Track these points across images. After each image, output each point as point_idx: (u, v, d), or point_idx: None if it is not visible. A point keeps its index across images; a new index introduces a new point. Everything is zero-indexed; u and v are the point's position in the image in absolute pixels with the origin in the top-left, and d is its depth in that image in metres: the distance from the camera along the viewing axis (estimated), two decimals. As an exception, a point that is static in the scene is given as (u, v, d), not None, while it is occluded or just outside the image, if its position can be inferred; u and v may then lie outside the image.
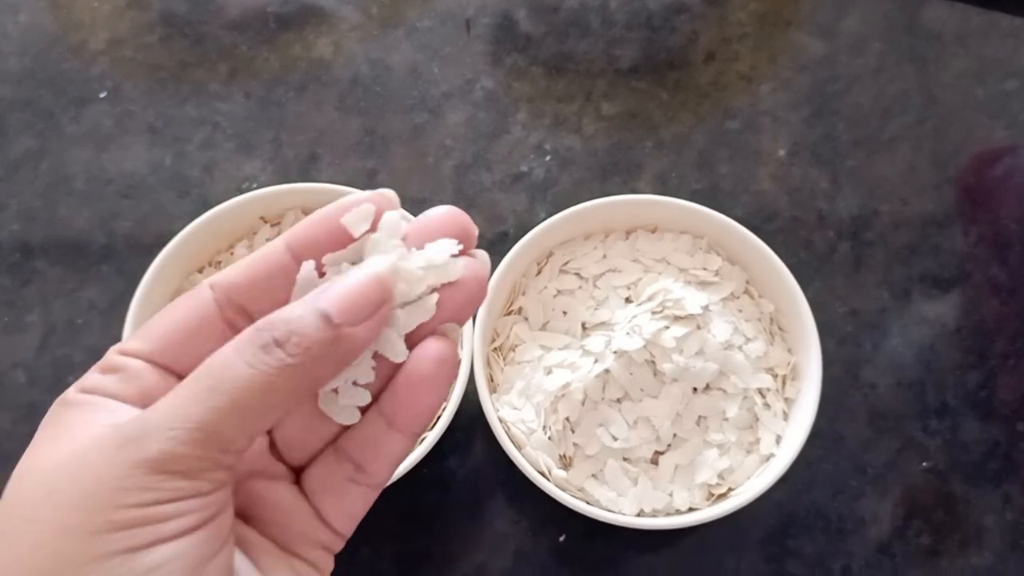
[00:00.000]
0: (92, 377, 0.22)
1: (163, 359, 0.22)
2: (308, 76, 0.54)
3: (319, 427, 0.23)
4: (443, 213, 0.22)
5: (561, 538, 0.44)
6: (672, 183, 0.52)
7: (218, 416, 0.19)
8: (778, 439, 0.40)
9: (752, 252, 0.43)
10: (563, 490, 0.39)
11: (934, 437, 0.46)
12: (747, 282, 0.43)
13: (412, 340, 0.22)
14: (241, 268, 0.22)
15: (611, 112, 0.54)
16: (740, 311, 0.42)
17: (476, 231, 0.23)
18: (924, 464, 0.46)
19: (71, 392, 0.21)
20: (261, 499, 0.23)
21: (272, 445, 0.23)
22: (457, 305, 0.22)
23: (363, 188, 0.47)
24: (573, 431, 0.40)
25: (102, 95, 0.54)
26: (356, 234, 0.22)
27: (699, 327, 0.40)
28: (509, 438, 0.40)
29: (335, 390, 0.22)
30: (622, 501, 0.40)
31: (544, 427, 0.40)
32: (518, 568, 0.44)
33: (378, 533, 0.44)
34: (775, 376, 0.41)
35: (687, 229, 0.44)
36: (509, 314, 0.44)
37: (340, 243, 0.22)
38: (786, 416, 0.41)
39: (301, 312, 0.20)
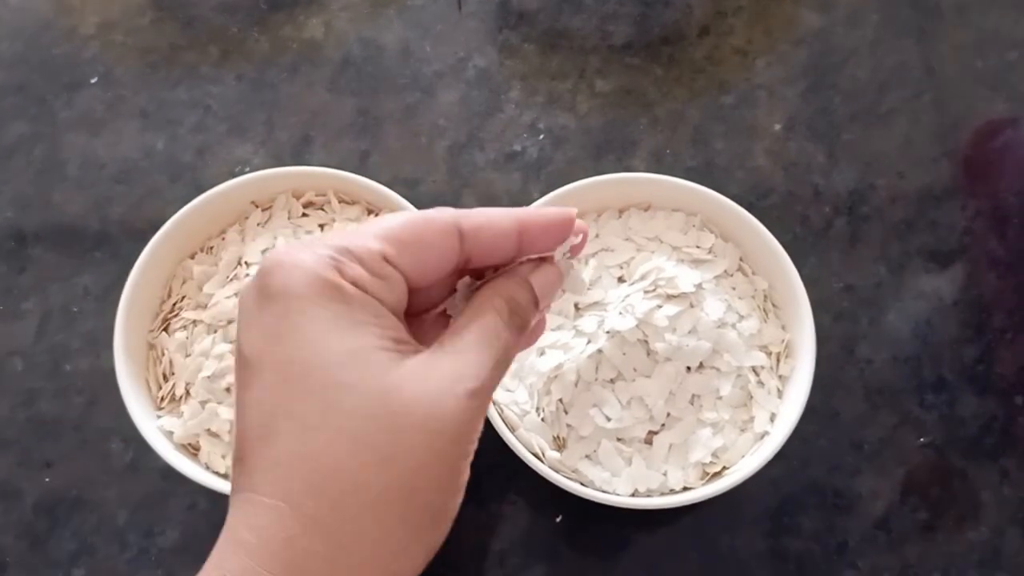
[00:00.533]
0: (358, 270, 0.24)
1: (415, 279, 0.26)
2: (300, 57, 0.54)
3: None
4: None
5: (558, 519, 0.44)
6: (667, 160, 0.51)
7: (500, 375, 0.26)
8: (772, 417, 0.40)
9: (745, 229, 0.42)
10: (557, 471, 0.39)
11: (931, 412, 0.46)
12: (740, 259, 0.43)
13: None
14: (486, 228, 0.26)
15: (605, 89, 0.53)
16: (734, 289, 0.42)
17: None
18: (921, 439, 0.46)
19: (335, 275, 0.24)
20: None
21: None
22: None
23: (355, 170, 0.47)
24: (566, 412, 0.40)
25: (93, 80, 0.53)
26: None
27: (692, 305, 0.40)
28: (503, 420, 0.40)
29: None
30: (616, 481, 0.40)
31: (537, 408, 0.40)
32: (516, 549, 0.44)
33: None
34: (769, 354, 0.41)
35: (680, 207, 0.44)
36: (502, 295, 0.44)
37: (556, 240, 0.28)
38: (780, 394, 0.41)
39: (530, 295, 0.27)
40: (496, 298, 0.26)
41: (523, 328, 0.27)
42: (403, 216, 0.26)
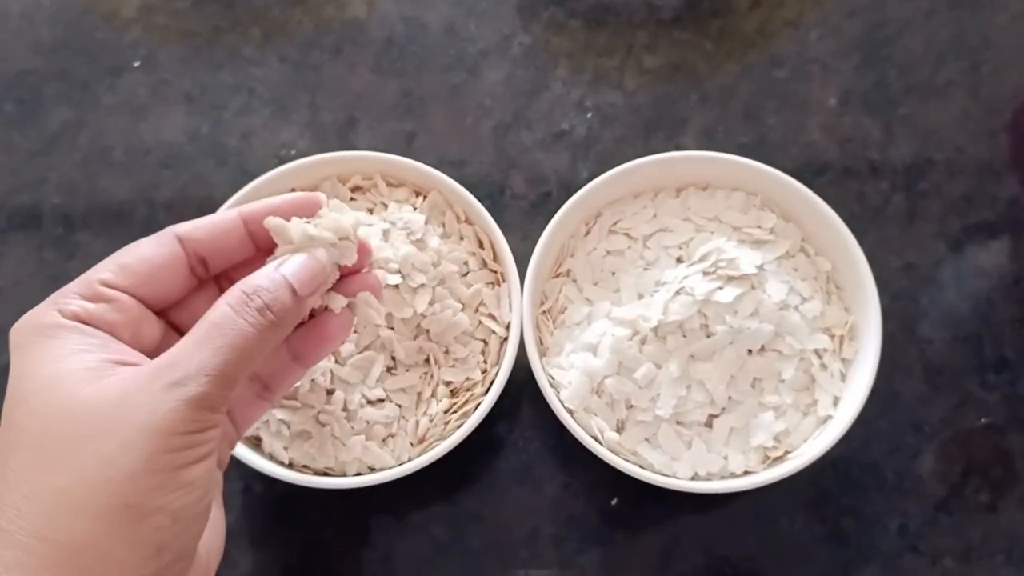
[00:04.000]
0: (77, 303, 0.27)
1: (143, 294, 0.28)
2: (342, 37, 0.53)
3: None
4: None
5: (613, 502, 0.44)
6: (718, 137, 0.50)
7: (232, 364, 0.26)
8: (835, 400, 0.40)
9: (808, 208, 0.42)
10: (616, 454, 0.39)
11: (992, 392, 0.45)
12: (802, 240, 0.42)
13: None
14: (202, 226, 0.29)
15: (653, 65, 0.52)
16: (796, 270, 0.41)
17: (371, 250, 0.33)
18: (983, 420, 0.45)
19: (54, 315, 0.26)
20: None
21: None
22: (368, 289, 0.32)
23: (401, 152, 0.47)
24: (625, 394, 0.39)
25: (136, 64, 0.53)
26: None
27: (753, 287, 0.39)
28: (560, 402, 0.40)
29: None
30: (676, 465, 0.39)
31: (596, 391, 0.40)
32: (570, 532, 0.44)
33: (429, 496, 0.44)
34: (832, 336, 0.40)
35: (740, 186, 0.43)
36: (557, 276, 0.43)
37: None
38: (843, 377, 0.40)
39: (277, 282, 0.27)
40: (234, 290, 0.27)
41: (269, 315, 0.27)
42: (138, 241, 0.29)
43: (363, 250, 0.31)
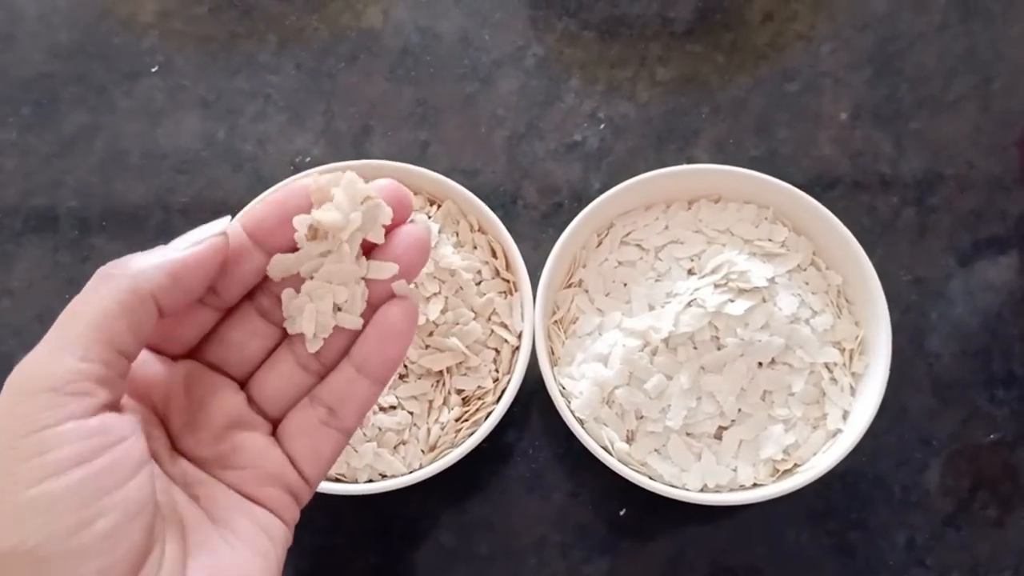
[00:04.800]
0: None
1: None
2: (358, 46, 0.53)
3: (296, 377, 0.26)
4: (383, 185, 0.26)
5: (622, 512, 0.44)
6: (730, 149, 0.50)
7: (77, 333, 0.21)
8: (845, 414, 0.40)
9: (819, 222, 0.42)
10: (625, 465, 0.39)
11: (1001, 407, 0.46)
12: (813, 253, 0.43)
13: (373, 302, 0.26)
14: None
15: (666, 77, 0.52)
16: (806, 283, 0.41)
17: (412, 201, 0.26)
18: (991, 435, 0.45)
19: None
20: (237, 447, 0.25)
21: (251, 400, 0.26)
22: (404, 264, 0.25)
23: (415, 160, 0.47)
24: (635, 405, 0.39)
25: (153, 69, 0.53)
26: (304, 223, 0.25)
27: (764, 300, 0.39)
28: (571, 412, 0.40)
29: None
30: (685, 476, 0.39)
31: (606, 401, 0.40)
32: (578, 540, 0.44)
33: (439, 503, 0.44)
34: (842, 350, 0.41)
35: (752, 199, 0.43)
36: (569, 287, 0.43)
37: (285, 222, 0.25)
38: (853, 391, 0.40)
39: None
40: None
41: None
42: None
43: (399, 198, 0.25)
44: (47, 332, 0.22)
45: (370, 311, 0.26)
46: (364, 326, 0.26)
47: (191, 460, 0.25)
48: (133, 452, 0.22)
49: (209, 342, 0.26)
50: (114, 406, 0.22)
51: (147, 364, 0.25)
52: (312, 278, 0.25)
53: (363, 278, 0.25)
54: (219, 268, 0.24)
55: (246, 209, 0.26)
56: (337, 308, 0.26)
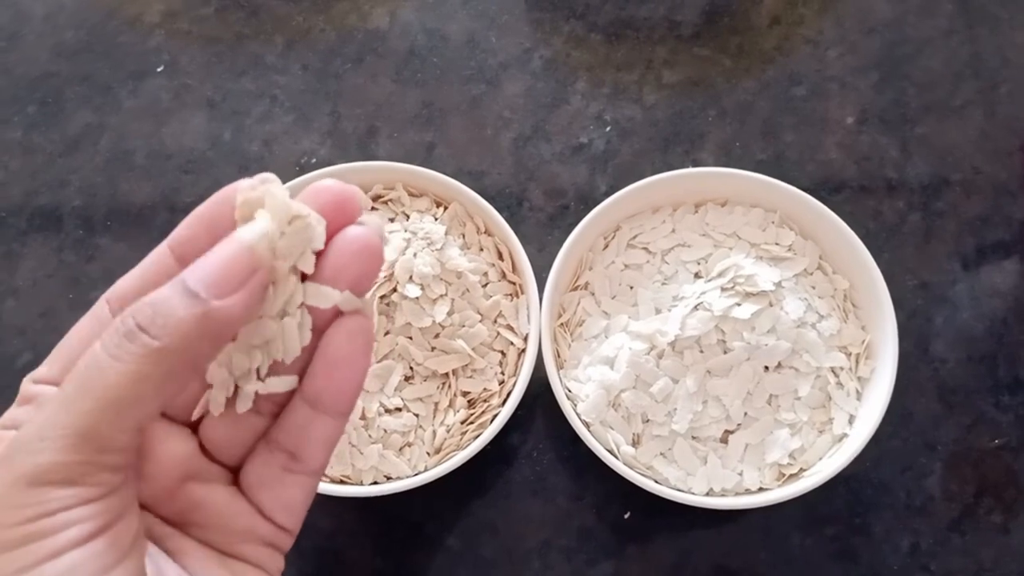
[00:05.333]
0: (10, 412, 0.22)
1: (55, 377, 0.22)
2: (364, 47, 0.53)
3: (245, 422, 0.23)
4: (320, 188, 0.22)
5: (626, 515, 0.44)
6: (736, 153, 0.50)
7: (89, 417, 0.18)
8: (851, 419, 0.40)
9: (825, 226, 0.42)
10: (631, 468, 0.39)
11: (1006, 413, 0.45)
12: (820, 257, 0.43)
13: (318, 323, 0.22)
14: (132, 277, 0.22)
15: (672, 80, 0.52)
16: (813, 288, 0.41)
17: (359, 202, 0.22)
18: (996, 441, 0.45)
19: None
20: (197, 503, 0.22)
21: (203, 448, 0.23)
22: (352, 275, 0.21)
23: (421, 162, 0.47)
24: (641, 408, 0.39)
25: (159, 69, 0.53)
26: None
27: (771, 304, 0.39)
28: (576, 415, 0.40)
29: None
30: (691, 480, 0.39)
31: (612, 404, 0.40)
32: (582, 544, 0.44)
33: (443, 506, 0.44)
34: (848, 355, 0.41)
35: (758, 202, 0.43)
36: (575, 289, 0.43)
37: (216, 237, 0.21)
38: (859, 395, 0.40)
39: (168, 292, 0.19)
40: (108, 328, 0.20)
41: (144, 339, 0.19)
42: None
43: (340, 202, 0.22)
44: (64, 387, 0.19)
45: (316, 335, 0.22)
46: (311, 355, 0.22)
47: (153, 515, 0.22)
48: (130, 527, 0.20)
49: None
50: (118, 485, 0.20)
51: None
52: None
53: (300, 305, 0.22)
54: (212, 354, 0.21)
55: (176, 228, 0.22)
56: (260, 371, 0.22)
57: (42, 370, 0.22)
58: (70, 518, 0.18)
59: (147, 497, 0.22)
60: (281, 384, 0.22)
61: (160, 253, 0.22)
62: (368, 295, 0.21)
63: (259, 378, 0.22)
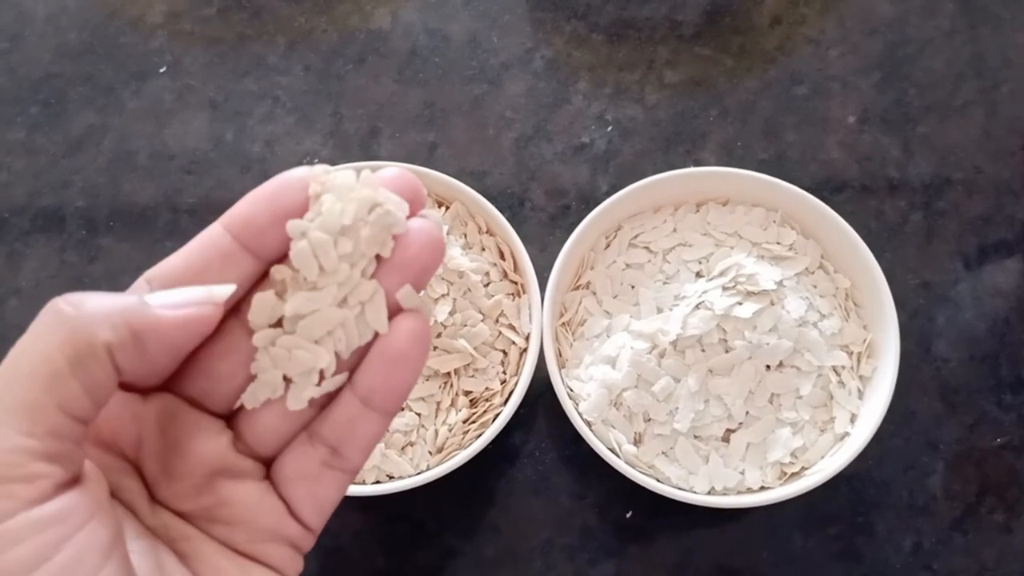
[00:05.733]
0: None
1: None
2: (366, 48, 0.53)
3: (292, 413, 0.22)
4: (392, 175, 0.21)
5: (628, 515, 0.44)
6: (738, 152, 0.50)
7: (20, 400, 0.18)
8: (853, 418, 0.40)
9: (827, 225, 0.42)
10: (633, 467, 0.39)
11: (1008, 412, 0.45)
12: (822, 256, 0.43)
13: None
14: (180, 257, 0.21)
15: (674, 80, 0.52)
16: (815, 287, 0.41)
17: (425, 192, 0.21)
18: (998, 440, 0.45)
19: None
20: (225, 500, 0.22)
21: (239, 438, 0.22)
22: (415, 269, 0.21)
23: (423, 162, 0.47)
24: (643, 407, 0.39)
25: (162, 69, 0.53)
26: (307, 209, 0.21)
27: (773, 303, 0.39)
28: (578, 414, 0.40)
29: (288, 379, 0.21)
30: (693, 479, 0.39)
31: (614, 403, 0.40)
32: (584, 543, 0.44)
33: (445, 505, 0.44)
34: (850, 353, 0.41)
35: (760, 202, 0.43)
36: (577, 288, 0.43)
37: (278, 218, 0.21)
38: (861, 394, 0.40)
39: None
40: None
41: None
42: None
43: (411, 192, 0.21)
44: None
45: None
46: (364, 349, 0.21)
47: (173, 512, 0.22)
48: (98, 538, 0.18)
49: (188, 371, 0.22)
50: (72, 482, 0.18)
51: (112, 402, 0.20)
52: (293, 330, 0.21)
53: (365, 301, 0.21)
54: (196, 343, 0.20)
55: (233, 208, 0.21)
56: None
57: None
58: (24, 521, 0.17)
59: (171, 494, 0.22)
60: (335, 382, 0.22)
61: (212, 232, 0.21)
62: (423, 293, 0.22)
63: (322, 378, 0.21)
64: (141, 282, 0.21)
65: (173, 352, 0.20)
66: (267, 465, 0.23)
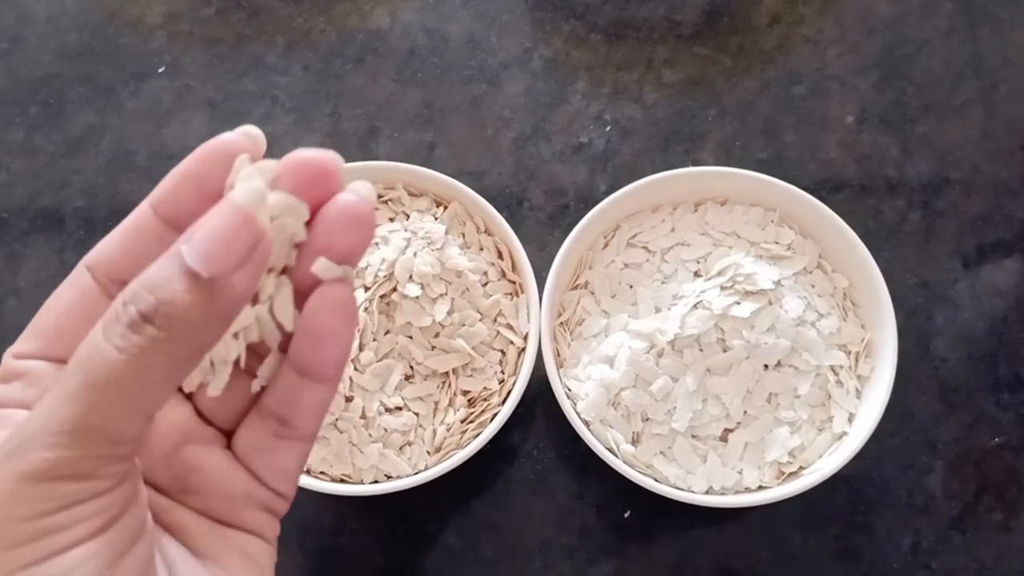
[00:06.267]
0: None
1: (58, 353, 0.21)
2: (365, 48, 0.53)
3: (237, 388, 0.22)
4: (290, 163, 0.20)
5: (627, 514, 0.44)
6: (736, 152, 0.50)
7: (98, 411, 0.18)
8: (851, 417, 0.40)
9: (825, 225, 0.42)
10: (631, 467, 0.39)
11: (1006, 411, 0.45)
12: (820, 256, 0.43)
13: (301, 290, 0.21)
14: (113, 240, 0.21)
15: (672, 79, 0.52)
16: (813, 286, 0.41)
17: (339, 168, 0.20)
18: (996, 439, 0.45)
19: None
20: (196, 467, 0.22)
21: (198, 412, 0.23)
22: (343, 248, 0.20)
23: (422, 162, 0.47)
24: (641, 407, 0.39)
25: (160, 70, 0.54)
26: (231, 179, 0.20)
27: (771, 303, 0.39)
28: (576, 413, 0.40)
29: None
30: (691, 478, 0.39)
31: (612, 403, 0.40)
32: (583, 543, 0.44)
33: (444, 505, 0.44)
34: (848, 353, 0.41)
35: (758, 201, 0.43)
36: (575, 288, 0.43)
37: (206, 197, 0.20)
38: (859, 394, 0.40)
39: (167, 273, 0.18)
40: (116, 299, 0.19)
41: (150, 331, 0.18)
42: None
43: (319, 174, 0.20)
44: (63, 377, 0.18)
45: (299, 300, 0.21)
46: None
47: (148, 486, 0.22)
48: (139, 514, 0.19)
49: None
50: (127, 475, 0.19)
51: None
52: None
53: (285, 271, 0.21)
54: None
55: (159, 187, 0.21)
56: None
57: (23, 345, 0.21)
58: (80, 513, 0.18)
59: (144, 465, 0.21)
60: (266, 370, 0.22)
61: (142, 214, 0.21)
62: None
63: (238, 365, 0.22)
64: (82, 269, 0.22)
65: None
66: (229, 437, 0.23)
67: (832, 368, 0.40)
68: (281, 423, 0.22)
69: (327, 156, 0.20)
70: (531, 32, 0.54)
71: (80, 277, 0.21)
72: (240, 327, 0.21)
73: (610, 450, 0.39)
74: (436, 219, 0.43)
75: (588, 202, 0.48)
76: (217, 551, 0.22)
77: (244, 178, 0.19)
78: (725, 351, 0.39)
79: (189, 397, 0.23)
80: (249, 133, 0.21)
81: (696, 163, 0.50)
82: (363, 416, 0.40)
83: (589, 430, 0.40)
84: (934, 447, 0.45)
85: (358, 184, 0.20)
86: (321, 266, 0.20)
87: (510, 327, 0.42)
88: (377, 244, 0.41)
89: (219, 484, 0.22)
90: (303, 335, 0.21)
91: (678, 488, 0.39)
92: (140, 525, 0.19)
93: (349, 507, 0.44)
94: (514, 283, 0.43)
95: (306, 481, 0.39)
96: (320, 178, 0.20)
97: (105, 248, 0.22)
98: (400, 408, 0.41)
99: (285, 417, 0.22)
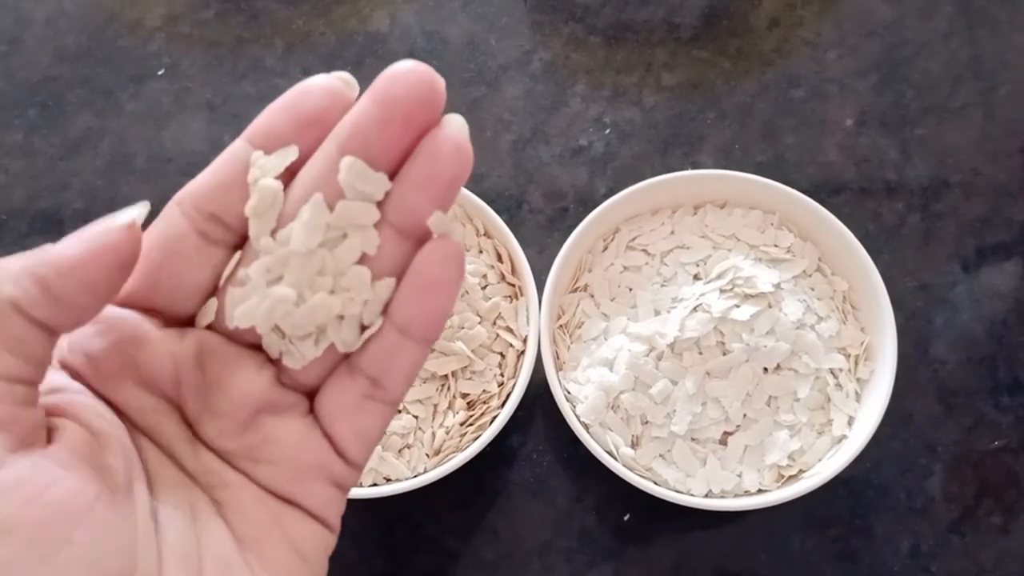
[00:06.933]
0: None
1: (150, 284, 0.21)
2: (364, 50, 0.53)
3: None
4: (402, 71, 0.20)
5: (626, 517, 0.44)
6: (735, 155, 0.50)
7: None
8: (850, 420, 0.40)
9: (824, 228, 0.42)
10: (630, 469, 0.39)
11: (1006, 414, 0.45)
12: (819, 259, 0.43)
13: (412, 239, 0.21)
14: (206, 175, 0.21)
15: (672, 82, 0.52)
16: (812, 289, 0.42)
17: (442, 88, 0.20)
18: (996, 442, 0.45)
19: None
20: (269, 437, 0.21)
21: (282, 371, 0.22)
22: (445, 182, 0.20)
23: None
24: (640, 410, 0.39)
25: (160, 72, 0.54)
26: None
27: (770, 306, 0.39)
28: (576, 416, 0.40)
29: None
30: (691, 481, 0.39)
31: (611, 406, 0.40)
32: (582, 546, 0.44)
33: (443, 508, 0.44)
34: (847, 356, 0.41)
35: (757, 204, 0.43)
36: (575, 291, 0.43)
37: (304, 131, 0.21)
38: (858, 397, 0.40)
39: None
40: None
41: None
42: None
43: (425, 96, 0.20)
44: None
45: (409, 252, 0.21)
46: (399, 280, 0.21)
47: (216, 452, 0.21)
48: (70, 497, 0.17)
49: (222, 308, 0.21)
50: (29, 444, 0.18)
51: (147, 341, 0.20)
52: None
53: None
54: (120, 273, 0.19)
55: (255, 121, 0.21)
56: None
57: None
58: None
59: (215, 432, 0.21)
60: (370, 333, 0.21)
61: (237, 149, 0.21)
62: (450, 215, 0.22)
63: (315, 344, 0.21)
64: (172, 205, 0.21)
65: (94, 290, 0.19)
66: (310, 398, 0.22)
67: (832, 371, 0.40)
68: (373, 384, 0.21)
69: (429, 72, 0.20)
70: (530, 35, 0.54)
71: (169, 214, 0.21)
72: (324, 318, 0.21)
73: (609, 453, 0.39)
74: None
75: (587, 205, 0.48)
76: (264, 541, 0.21)
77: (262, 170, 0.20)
78: (725, 354, 0.39)
79: (273, 362, 0.22)
80: (344, 78, 0.21)
81: (695, 166, 0.50)
82: (362, 419, 0.40)
83: (588, 433, 0.40)
84: (933, 450, 0.45)
85: (452, 116, 0.20)
86: (435, 220, 0.20)
87: (509, 330, 0.42)
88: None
89: (292, 453, 0.22)
90: (411, 290, 0.20)
91: (677, 491, 0.39)
92: (73, 512, 0.18)
93: (348, 509, 0.44)
94: (513, 286, 0.43)
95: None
96: (424, 101, 0.20)
97: (197, 182, 0.21)
98: (399, 411, 0.41)
99: (379, 377, 0.21)
